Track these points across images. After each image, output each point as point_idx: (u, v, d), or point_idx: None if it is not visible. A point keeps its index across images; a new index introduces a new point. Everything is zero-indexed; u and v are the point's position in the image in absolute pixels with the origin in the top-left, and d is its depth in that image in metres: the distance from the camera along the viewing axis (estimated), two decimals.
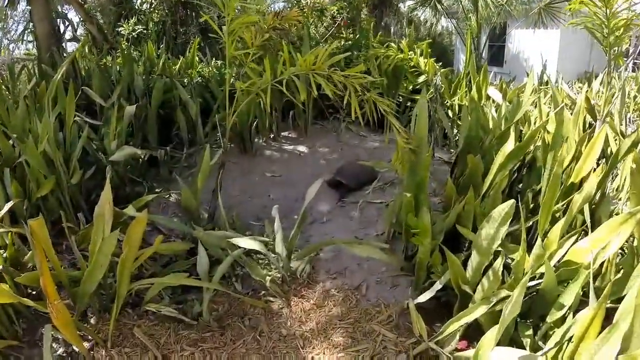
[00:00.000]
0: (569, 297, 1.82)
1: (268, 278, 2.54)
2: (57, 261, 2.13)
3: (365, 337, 2.18)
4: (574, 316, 1.73)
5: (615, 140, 3.28)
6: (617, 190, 3.04)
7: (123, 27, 7.17)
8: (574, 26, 3.37)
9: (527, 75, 4.28)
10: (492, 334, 1.69)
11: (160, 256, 2.69)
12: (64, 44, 5.51)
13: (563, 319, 1.80)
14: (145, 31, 7.39)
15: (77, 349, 2.07)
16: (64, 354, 2.09)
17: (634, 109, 4.91)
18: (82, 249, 2.41)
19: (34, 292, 2.38)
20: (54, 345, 2.10)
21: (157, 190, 3.63)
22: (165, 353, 2.12)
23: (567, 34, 9.78)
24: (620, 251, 2.23)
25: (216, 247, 2.63)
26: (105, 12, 8.12)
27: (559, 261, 2.03)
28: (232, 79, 4.24)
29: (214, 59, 5.74)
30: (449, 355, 1.93)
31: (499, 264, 1.94)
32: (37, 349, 2.10)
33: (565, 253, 2.01)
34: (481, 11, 7.87)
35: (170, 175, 3.88)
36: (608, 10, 3.00)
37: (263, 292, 2.53)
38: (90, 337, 2.15)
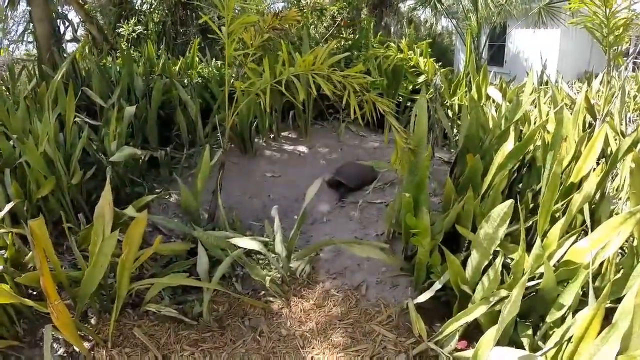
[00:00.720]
0: (568, 297, 1.82)
1: (268, 278, 2.54)
2: (57, 262, 2.14)
3: (365, 337, 2.19)
4: (573, 316, 1.73)
5: (615, 139, 3.27)
6: (617, 189, 3.04)
7: (123, 27, 7.17)
8: (574, 25, 3.37)
9: (527, 75, 4.28)
10: (491, 334, 1.69)
11: (161, 257, 2.70)
12: (64, 45, 5.50)
13: (562, 319, 1.80)
14: (145, 32, 7.39)
15: (77, 349, 2.07)
16: (64, 354, 2.09)
17: (633, 109, 4.90)
18: (83, 249, 2.41)
19: (34, 293, 2.39)
20: (55, 345, 2.11)
21: (157, 190, 3.64)
22: (166, 353, 2.13)
23: (567, 33, 9.78)
24: (620, 251, 2.23)
25: (216, 248, 2.63)
26: (105, 13, 8.12)
27: (558, 261, 2.03)
28: (231, 80, 4.24)
29: (214, 59, 5.74)
30: (449, 355, 1.93)
31: (498, 263, 1.95)
32: (38, 349, 2.10)
33: (565, 253, 2.01)
34: (481, 11, 7.87)
35: (171, 176, 3.89)
36: (607, 10, 3.00)
37: (263, 292, 2.53)
38: (90, 338, 2.16)
